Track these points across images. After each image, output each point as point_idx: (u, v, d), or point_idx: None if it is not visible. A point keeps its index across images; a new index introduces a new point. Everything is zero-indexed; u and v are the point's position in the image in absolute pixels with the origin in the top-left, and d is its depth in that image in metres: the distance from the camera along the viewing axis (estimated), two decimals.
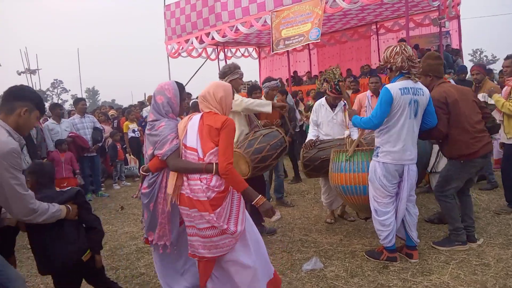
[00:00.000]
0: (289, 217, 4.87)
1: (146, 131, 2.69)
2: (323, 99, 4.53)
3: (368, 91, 5.29)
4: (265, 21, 10.33)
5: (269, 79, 5.22)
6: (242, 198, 2.54)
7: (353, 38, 13.74)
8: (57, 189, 6.04)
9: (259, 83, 12.58)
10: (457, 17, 10.98)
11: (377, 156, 3.24)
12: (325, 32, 13.86)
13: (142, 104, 11.15)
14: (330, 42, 14.26)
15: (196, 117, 2.56)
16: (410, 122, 3.14)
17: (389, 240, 3.30)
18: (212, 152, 2.41)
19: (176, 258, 2.85)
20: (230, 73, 3.85)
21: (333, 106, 4.40)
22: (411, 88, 3.12)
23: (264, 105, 3.79)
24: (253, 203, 2.43)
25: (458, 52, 11.23)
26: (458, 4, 10.64)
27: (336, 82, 4.19)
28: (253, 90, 4.75)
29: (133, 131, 8.36)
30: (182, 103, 2.73)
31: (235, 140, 3.65)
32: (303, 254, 3.67)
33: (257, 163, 3.60)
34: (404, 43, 3.31)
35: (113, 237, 4.68)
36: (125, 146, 8.23)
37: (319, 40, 9.61)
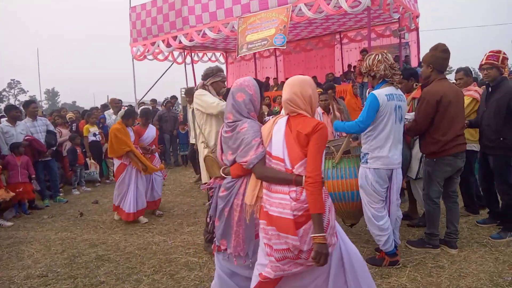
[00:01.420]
0: None
1: (224, 134, 2.39)
2: (318, 107, 4.60)
3: (319, 108, 5.22)
4: (233, 27, 10.36)
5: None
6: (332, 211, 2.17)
7: (318, 46, 14.07)
8: (11, 193, 5.75)
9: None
10: (416, 29, 11.51)
11: (367, 162, 3.26)
12: (291, 40, 14.11)
13: (105, 107, 10.82)
14: (296, 49, 14.54)
15: (282, 121, 2.20)
16: (396, 127, 3.22)
17: (390, 245, 3.31)
18: (302, 163, 2.05)
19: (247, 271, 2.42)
20: (212, 75, 3.84)
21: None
22: (394, 94, 3.22)
23: None
24: (312, 235, 2.00)
25: (419, 64, 11.78)
26: (417, 16, 11.17)
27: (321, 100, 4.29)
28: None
29: (94, 134, 8.09)
30: (262, 101, 2.50)
31: (211, 144, 3.61)
32: None
33: None
34: (385, 51, 3.40)
35: (71, 245, 4.50)
36: (84, 150, 7.95)
37: (285, 47, 9.76)
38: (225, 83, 4.01)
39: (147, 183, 5.49)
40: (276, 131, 2.18)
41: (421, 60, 3.69)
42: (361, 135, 3.39)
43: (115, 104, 8.87)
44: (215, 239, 2.50)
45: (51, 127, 6.91)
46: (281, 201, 2.06)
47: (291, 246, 2.02)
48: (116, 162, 5.37)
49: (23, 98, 53.88)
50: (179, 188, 7.41)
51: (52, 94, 60.51)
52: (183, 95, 15.83)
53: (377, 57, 3.26)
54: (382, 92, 3.18)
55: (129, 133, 5.32)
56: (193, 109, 4.02)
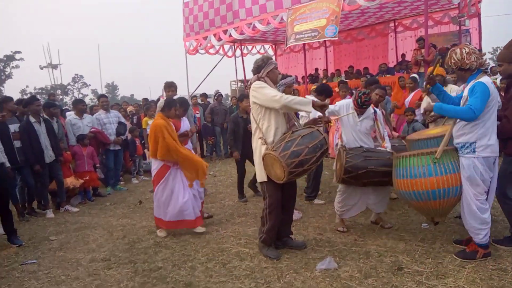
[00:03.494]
0: (304, 216, 4.91)
1: None
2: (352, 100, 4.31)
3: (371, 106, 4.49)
4: (282, 19, 10.33)
5: (284, 76, 5.06)
6: None
7: (370, 36, 13.59)
8: (80, 181, 6.17)
9: None
10: (478, 15, 10.74)
11: (474, 152, 3.20)
12: (342, 30, 13.73)
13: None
14: (346, 39, 14.14)
15: None
16: (496, 115, 3.26)
17: (487, 237, 3.31)
18: None
19: None
20: (264, 65, 3.63)
21: (359, 113, 4.21)
22: (491, 82, 3.23)
23: (305, 104, 3.44)
24: None
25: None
26: (479, 1, 10.41)
27: (361, 94, 4.12)
28: None
29: None
30: None
31: (270, 140, 3.51)
32: (317, 253, 3.71)
33: (294, 168, 3.34)
34: (468, 44, 3.39)
35: (131, 231, 4.81)
36: (143, 141, 8.38)
37: (336, 38, 9.55)
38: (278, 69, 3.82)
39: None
40: None
41: (497, 60, 3.57)
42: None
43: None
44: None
45: (122, 119, 7.56)
46: None
47: None
48: (157, 163, 4.46)
49: (85, 91, 57.60)
50: (230, 179, 7.59)
51: (112, 88, 63.95)
52: (233, 88, 16.11)
53: (464, 50, 3.25)
54: (488, 81, 3.17)
55: (174, 130, 4.54)
56: None
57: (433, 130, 4.06)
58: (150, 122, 8.32)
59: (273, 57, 16.57)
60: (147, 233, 4.69)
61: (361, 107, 4.14)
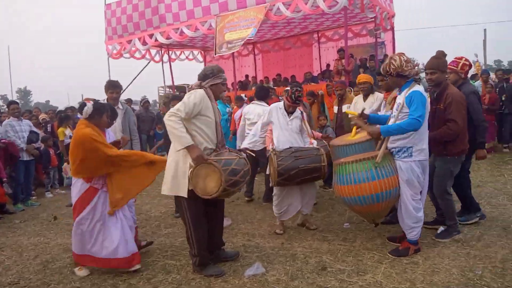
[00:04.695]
0: (233, 223, 4.87)
1: None
2: (281, 102, 4.47)
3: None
4: (210, 25, 10.29)
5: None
6: None
7: (296, 45, 14.15)
8: None
9: None
10: (392, 28, 11.73)
11: (411, 156, 3.42)
12: (270, 39, 14.12)
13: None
14: (274, 48, 14.57)
15: None
16: (427, 121, 3.53)
17: (419, 234, 3.58)
18: None
19: None
20: (212, 76, 3.38)
21: (289, 112, 4.37)
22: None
23: (180, 141, 3.18)
24: None
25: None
26: (393, 16, 11.38)
27: (294, 89, 4.23)
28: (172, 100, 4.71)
29: (70, 137, 7.88)
30: None
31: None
32: (246, 260, 3.69)
33: (229, 186, 3.22)
34: (403, 53, 3.55)
35: (44, 250, 4.37)
36: (59, 152, 7.75)
37: (252, 38, 9.80)
38: (226, 86, 3.61)
39: None
40: None
41: (427, 68, 3.84)
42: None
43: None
44: None
45: (34, 128, 7.02)
46: None
47: None
48: (80, 185, 3.54)
49: None
50: (157, 190, 7.29)
51: (24, 93, 58.61)
52: (161, 94, 15.64)
53: (403, 58, 3.44)
54: (422, 90, 3.41)
55: (106, 140, 3.65)
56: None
57: (353, 137, 4.29)
58: (67, 131, 7.77)
59: (203, 64, 16.47)
60: (62, 251, 4.29)
61: (294, 102, 4.28)
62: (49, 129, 8.29)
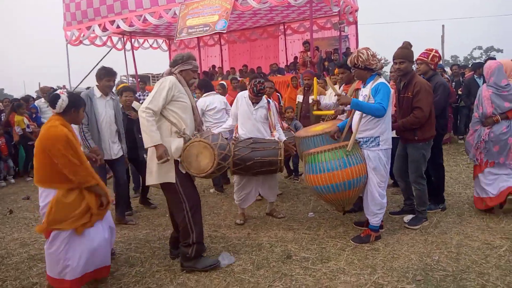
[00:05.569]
0: None
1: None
2: (246, 91, 4.42)
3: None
4: (175, 13, 10.08)
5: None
6: None
7: (262, 36, 14.16)
8: None
9: None
10: (355, 22, 11.99)
11: (379, 145, 3.58)
12: (236, 29, 14.03)
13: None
14: (240, 39, 14.51)
15: None
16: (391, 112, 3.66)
17: (380, 221, 3.74)
18: None
19: None
20: (181, 62, 3.32)
21: (254, 102, 4.35)
22: None
23: (150, 137, 3.09)
24: None
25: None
26: (356, 10, 11.62)
27: (256, 82, 4.19)
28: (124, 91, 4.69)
29: (28, 126, 7.51)
30: None
31: (189, 132, 3.24)
32: (212, 251, 3.69)
33: (221, 160, 3.18)
34: (368, 47, 3.60)
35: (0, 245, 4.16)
36: (14, 142, 7.36)
37: (225, 31, 9.68)
38: (197, 73, 3.50)
39: None
40: None
41: (395, 58, 3.91)
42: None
43: (47, 92, 8.27)
44: None
45: None
46: None
47: None
48: (49, 195, 2.90)
49: None
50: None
51: None
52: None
53: (369, 52, 3.55)
54: (386, 82, 3.56)
55: (79, 143, 3.06)
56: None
57: (317, 127, 4.37)
58: (26, 121, 7.39)
59: (167, 53, 16.11)
60: (19, 246, 4.10)
61: (256, 95, 4.28)
62: (2, 118, 7.82)
